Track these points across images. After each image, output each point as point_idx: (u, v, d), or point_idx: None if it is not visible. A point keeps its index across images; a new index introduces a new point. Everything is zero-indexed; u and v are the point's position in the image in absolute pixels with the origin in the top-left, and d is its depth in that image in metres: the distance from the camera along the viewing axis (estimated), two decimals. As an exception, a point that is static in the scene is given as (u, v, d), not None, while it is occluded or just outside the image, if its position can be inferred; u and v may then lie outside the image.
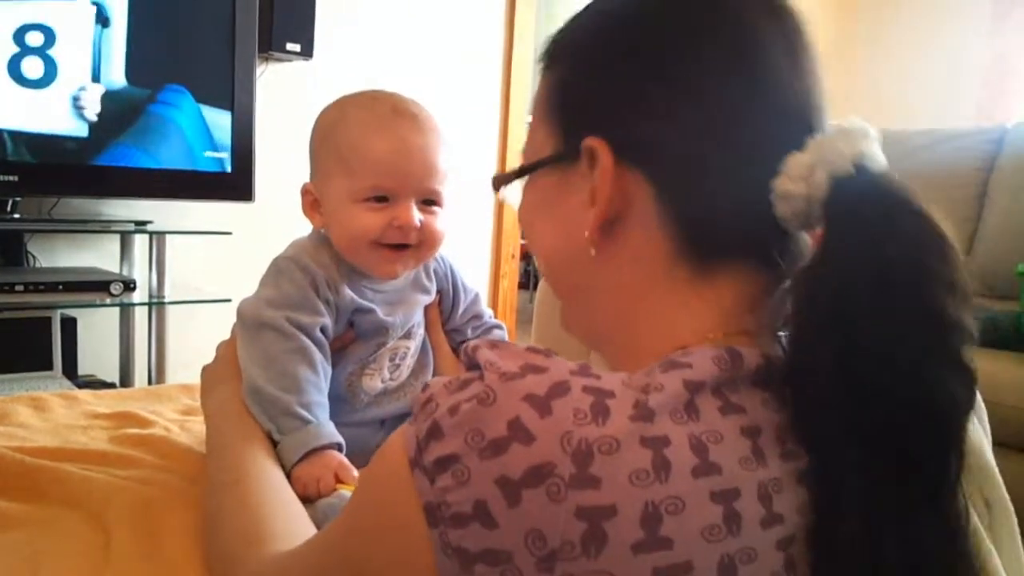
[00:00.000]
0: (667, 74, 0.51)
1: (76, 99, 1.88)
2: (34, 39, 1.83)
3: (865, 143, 0.48)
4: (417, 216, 0.87)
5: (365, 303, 0.90)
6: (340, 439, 0.82)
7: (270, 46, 2.34)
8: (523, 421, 0.42)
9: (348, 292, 0.89)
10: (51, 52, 1.85)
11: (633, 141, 0.52)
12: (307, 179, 0.93)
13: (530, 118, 0.61)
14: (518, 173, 0.60)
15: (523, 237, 0.63)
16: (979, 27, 3.18)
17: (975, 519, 0.49)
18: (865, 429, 0.43)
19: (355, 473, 0.81)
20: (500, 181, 0.62)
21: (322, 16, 2.45)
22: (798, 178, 0.48)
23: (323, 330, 0.87)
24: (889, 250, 0.44)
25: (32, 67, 1.83)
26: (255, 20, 2.10)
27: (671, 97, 0.51)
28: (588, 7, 0.58)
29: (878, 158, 0.48)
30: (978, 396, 0.48)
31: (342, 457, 0.81)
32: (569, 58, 0.57)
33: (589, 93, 0.54)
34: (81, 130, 1.89)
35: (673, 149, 0.51)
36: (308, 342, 0.85)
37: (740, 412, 0.45)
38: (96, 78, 1.90)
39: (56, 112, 1.86)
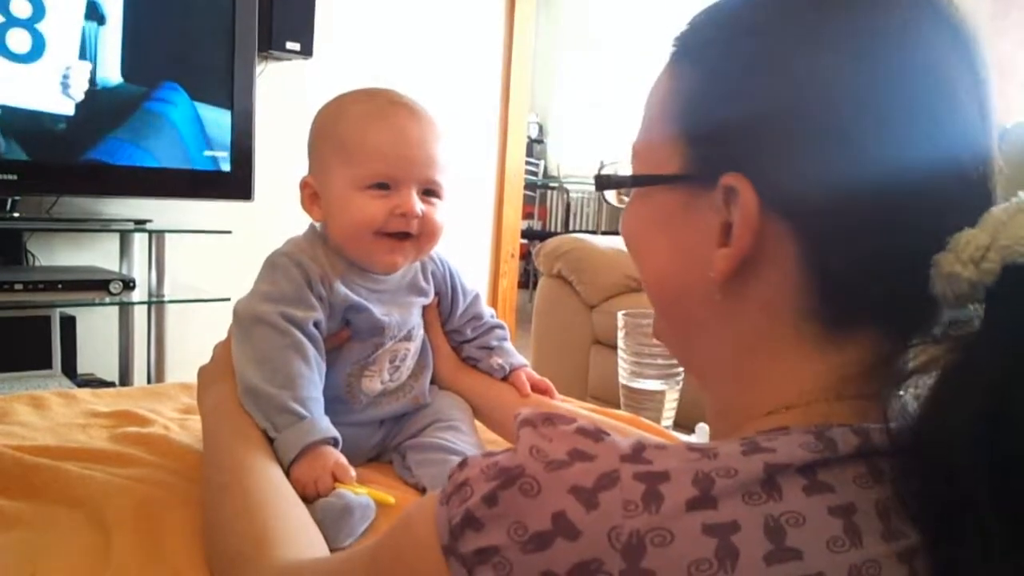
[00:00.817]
0: (833, 111, 0.45)
1: (65, 77, 1.88)
2: (22, 10, 1.82)
3: None
4: (419, 204, 0.88)
5: (359, 300, 0.90)
6: (336, 434, 0.82)
7: (270, 45, 2.35)
8: (568, 515, 0.40)
9: (342, 288, 0.89)
10: (39, 27, 1.85)
11: (782, 188, 0.46)
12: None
13: (647, 108, 0.54)
14: (635, 181, 0.54)
15: (627, 246, 0.56)
16: (977, 27, 3.19)
17: None
18: (1000, 507, 0.39)
19: (352, 472, 0.81)
20: (608, 184, 0.55)
21: (322, 15, 2.45)
22: (968, 260, 0.42)
23: (316, 325, 0.87)
24: None
25: (19, 41, 1.83)
26: (255, 19, 2.10)
27: (835, 142, 0.45)
28: None
29: None
30: None
31: (338, 455, 0.81)
32: (708, 62, 0.50)
33: (732, 120, 0.47)
34: (67, 108, 1.89)
35: (830, 204, 0.45)
36: (302, 337, 0.85)
37: (828, 491, 0.41)
38: (86, 58, 1.90)
39: (43, 89, 1.86)
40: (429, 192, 0.90)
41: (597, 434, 0.43)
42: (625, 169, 0.55)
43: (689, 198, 0.50)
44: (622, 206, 0.57)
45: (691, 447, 0.43)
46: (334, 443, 0.82)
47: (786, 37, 0.47)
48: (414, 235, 0.89)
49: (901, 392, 0.46)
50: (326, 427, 0.82)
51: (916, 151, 0.44)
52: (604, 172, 0.55)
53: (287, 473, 0.78)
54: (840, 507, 0.41)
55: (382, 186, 0.87)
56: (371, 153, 0.87)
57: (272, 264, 0.89)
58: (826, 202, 0.45)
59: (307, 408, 0.82)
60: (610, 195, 0.57)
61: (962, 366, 0.42)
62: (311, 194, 0.92)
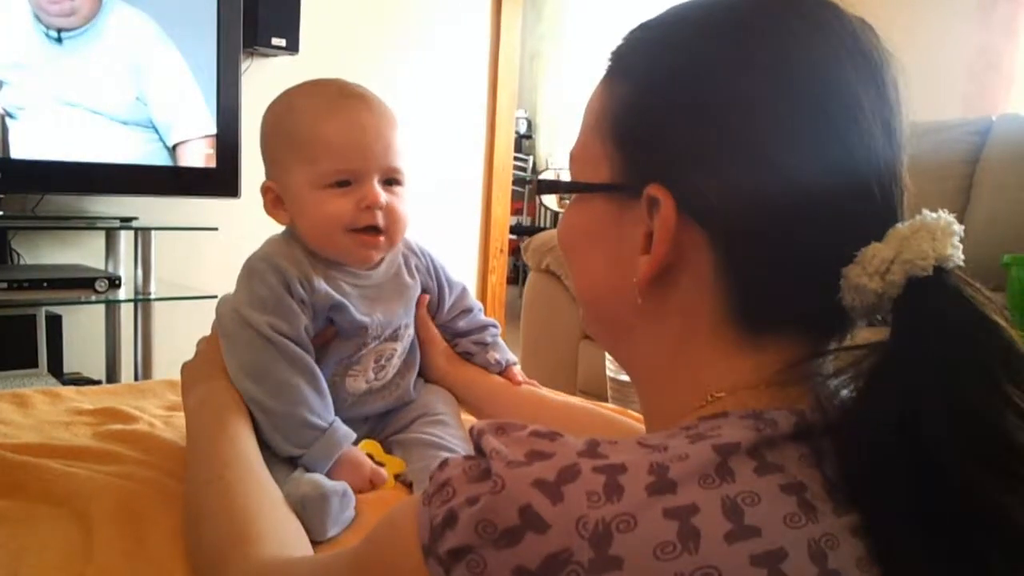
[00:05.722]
0: (749, 128, 0.48)
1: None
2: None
3: (949, 242, 0.45)
4: (383, 195, 0.87)
5: (340, 299, 0.89)
6: (352, 433, 0.85)
7: (255, 41, 2.34)
8: (535, 508, 0.40)
9: (323, 287, 0.88)
10: None
11: (699, 198, 0.48)
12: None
13: (583, 118, 0.57)
14: (570, 188, 0.57)
15: (561, 250, 0.60)
16: (965, 19, 3.20)
17: None
18: (921, 506, 0.41)
19: (386, 477, 0.86)
20: (548, 189, 0.58)
21: (308, 11, 2.44)
22: (874, 273, 0.45)
23: (306, 330, 0.86)
24: (961, 369, 0.42)
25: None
26: (240, 14, 2.09)
27: (749, 157, 0.48)
28: (673, 14, 0.53)
29: (957, 258, 0.45)
30: None
31: (370, 463, 0.85)
32: (639, 77, 0.53)
33: (657, 133, 0.50)
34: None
35: (743, 215, 0.48)
36: (295, 348, 0.84)
37: (778, 471, 0.43)
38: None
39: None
40: (391, 181, 0.89)
41: (551, 434, 0.45)
42: (566, 176, 0.58)
43: (619, 208, 0.53)
44: (561, 210, 0.59)
45: (641, 443, 0.44)
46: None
47: (709, 55, 0.49)
48: (383, 228, 0.88)
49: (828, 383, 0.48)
50: (346, 430, 0.85)
51: (822, 168, 0.47)
52: (544, 178, 0.56)
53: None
54: (791, 485, 0.42)
55: (344, 183, 0.86)
56: (328, 150, 0.85)
57: (250, 270, 0.88)
58: (738, 213, 0.48)
59: (324, 418, 0.84)
60: (550, 200, 0.60)
61: (878, 373, 0.45)
62: (274, 198, 0.90)
